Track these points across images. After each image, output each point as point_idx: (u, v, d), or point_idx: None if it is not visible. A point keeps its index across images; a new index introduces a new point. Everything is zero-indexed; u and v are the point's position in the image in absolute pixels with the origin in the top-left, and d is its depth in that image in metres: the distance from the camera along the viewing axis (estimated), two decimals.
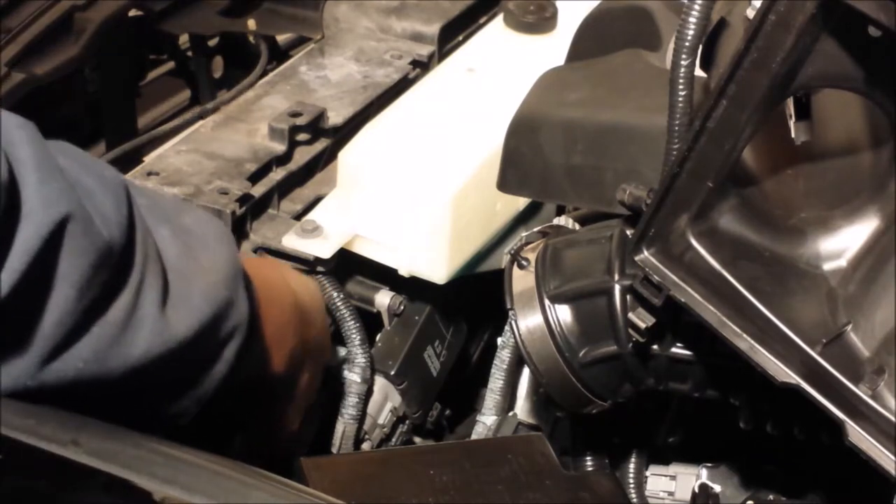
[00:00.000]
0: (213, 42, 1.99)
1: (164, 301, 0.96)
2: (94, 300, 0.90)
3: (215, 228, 1.08)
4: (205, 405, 1.05)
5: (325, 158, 1.58)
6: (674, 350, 1.21)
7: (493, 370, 1.50)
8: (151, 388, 0.99)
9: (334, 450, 1.47)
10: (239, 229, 1.45)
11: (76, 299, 0.88)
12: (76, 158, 0.92)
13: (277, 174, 1.52)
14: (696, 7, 1.03)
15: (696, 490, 1.42)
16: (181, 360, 0.99)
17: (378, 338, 1.54)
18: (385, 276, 1.51)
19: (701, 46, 1.05)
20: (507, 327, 1.46)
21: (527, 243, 1.30)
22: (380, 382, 1.52)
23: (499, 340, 1.50)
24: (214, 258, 1.04)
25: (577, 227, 1.33)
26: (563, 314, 1.24)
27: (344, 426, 1.47)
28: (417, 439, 1.61)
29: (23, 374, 0.88)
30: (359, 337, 1.48)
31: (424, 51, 1.72)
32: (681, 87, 1.06)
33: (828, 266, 1.11)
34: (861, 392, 1.03)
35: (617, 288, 1.20)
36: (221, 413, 1.10)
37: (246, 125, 1.57)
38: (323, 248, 1.44)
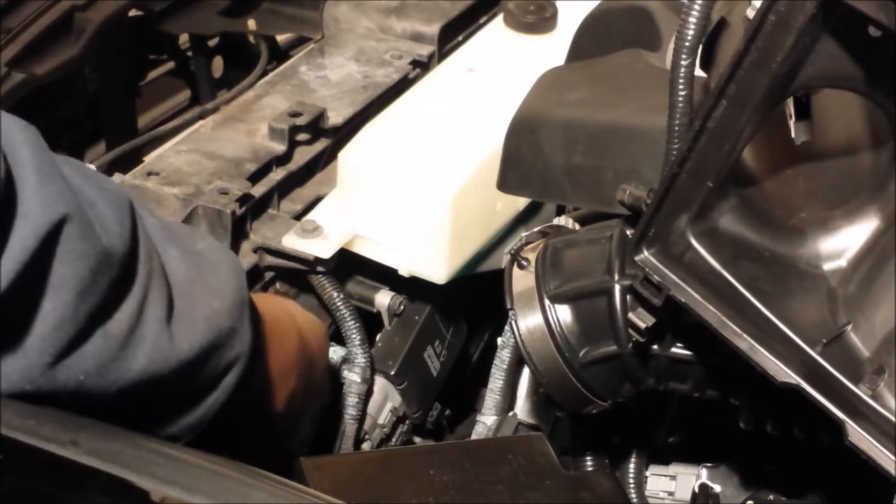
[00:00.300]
0: (213, 42, 2.00)
1: (169, 319, 0.96)
2: (95, 308, 0.89)
3: (227, 257, 1.07)
4: (200, 432, 1.04)
5: (325, 158, 1.58)
6: (674, 350, 1.21)
7: (493, 370, 1.50)
8: (147, 409, 0.98)
9: (334, 450, 1.47)
10: (239, 229, 1.45)
11: (75, 304, 0.88)
12: (80, 170, 0.92)
13: (277, 174, 1.52)
14: (696, 7, 1.03)
15: (696, 490, 1.42)
16: (180, 381, 0.98)
17: (378, 338, 1.54)
18: (385, 276, 1.51)
19: (701, 46, 1.05)
20: (507, 327, 1.46)
21: (527, 243, 1.30)
22: (380, 382, 1.52)
23: (499, 340, 1.50)
24: (222, 285, 1.03)
25: (577, 227, 1.33)
26: (563, 314, 1.24)
27: (344, 426, 1.47)
28: (417, 439, 1.61)
29: (22, 377, 0.88)
30: (359, 337, 1.48)
31: (424, 51, 1.72)
32: (681, 87, 1.06)
33: (828, 266, 1.11)
34: (861, 392, 1.03)
35: (617, 288, 1.20)
36: (217, 443, 1.10)
37: (246, 125, 1.57)
38: (323, 248, 1.44)
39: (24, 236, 0.84)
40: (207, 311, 1.00)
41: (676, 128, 1.08)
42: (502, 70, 1.61)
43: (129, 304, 0.92)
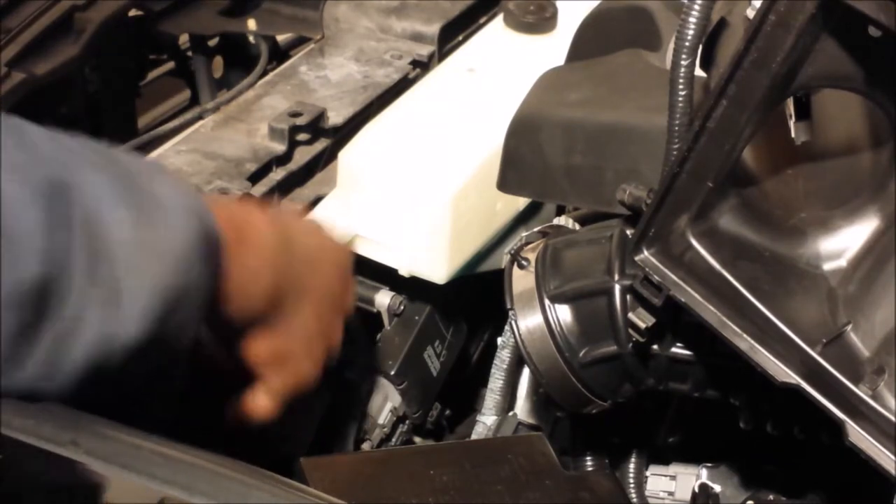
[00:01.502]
0: (213, 42, 1.99)
1: (110, 304, 0.91)
2: (38, 319, 0.87)
3: (184, 202, 0.99)
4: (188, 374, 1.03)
5: (325, 158, 1.58)
6: (674, 350, 1.21)
7: (493, 370, 1.50)
8: (126, 385, 0.96)
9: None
10: None
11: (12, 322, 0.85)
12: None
13: (277, 174, 1.52)
14: (696, 7, 1.03)
15: (696, 490, 1.42)
16: (136, 355, 0.94)
17: (378, 338, 1.54)
18: (385, 276, 1.51)
19: (701, 46, 1.05)
20: (507, 327, 1.46)
21: (527, 243, 1.30)
22: (380, 382, 1.52)
23: (499, 340, 1.50)
24: (171, 238, 0.96)
25: (577, 227, 1.33)
26: (563, 314, 1.24)
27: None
28: (417, 439, 1.61)
29: None
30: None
31: (424, 51, 1.72)
32: (681, 87, 1.06)
33: (828, 266, 1.11)
34: (861, 392, 1.03)
35: (617, 288, 1.20)
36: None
37: (246, 125, 1.57)
38: None
39: None
40: (152, 280, 0.94)
41: (676, 128, 1.08)
42: (502, 70, 1.61)
43: (72, 299, 0.88)
